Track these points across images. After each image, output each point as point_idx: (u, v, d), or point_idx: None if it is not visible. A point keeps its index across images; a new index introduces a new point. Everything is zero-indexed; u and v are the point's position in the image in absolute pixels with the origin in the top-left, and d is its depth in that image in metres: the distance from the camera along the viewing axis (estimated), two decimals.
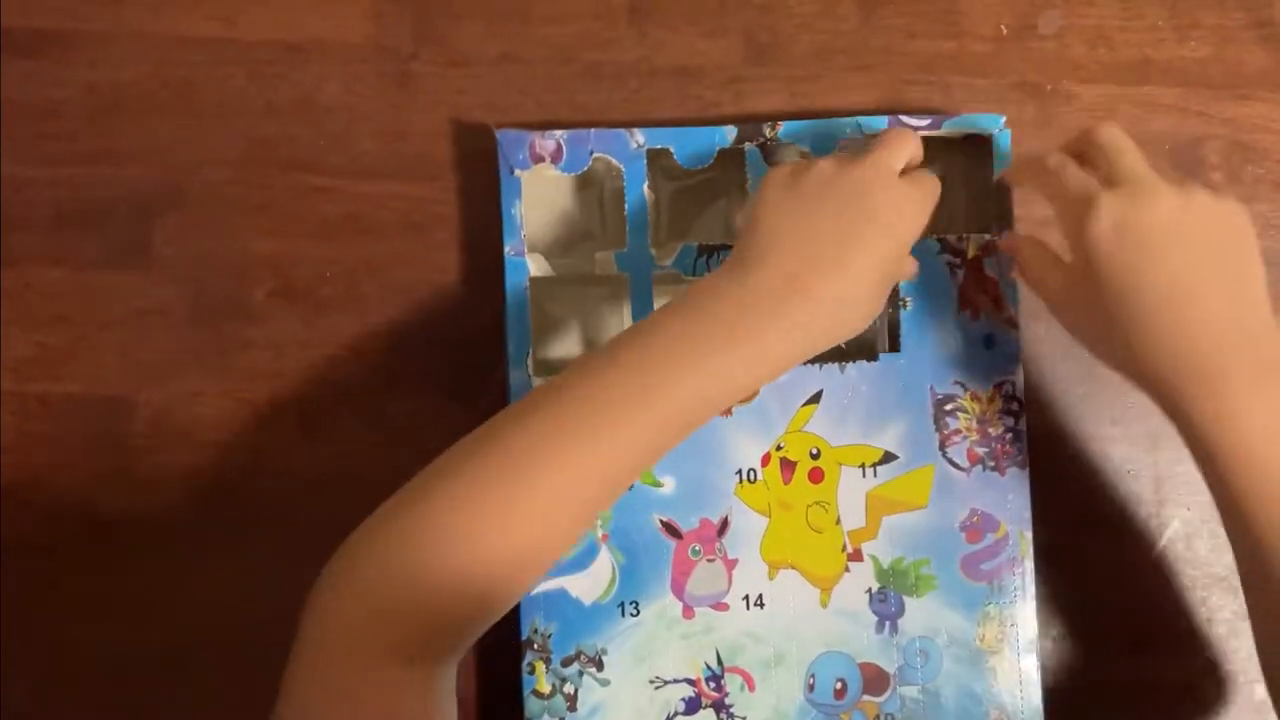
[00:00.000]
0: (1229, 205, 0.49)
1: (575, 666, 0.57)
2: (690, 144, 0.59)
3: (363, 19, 0.62)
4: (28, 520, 0.60)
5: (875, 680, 0.58)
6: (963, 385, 0.58)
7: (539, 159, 0.58)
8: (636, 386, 0.48)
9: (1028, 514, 0.58)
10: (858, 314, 0.51)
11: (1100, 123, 0.52)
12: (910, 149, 0.53)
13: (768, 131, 0.59)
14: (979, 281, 0.59)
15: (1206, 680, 0.61)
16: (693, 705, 0.57)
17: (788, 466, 0.58)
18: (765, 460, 0.58)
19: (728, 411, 0.58)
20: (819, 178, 0.51)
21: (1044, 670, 0.60)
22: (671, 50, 0.63)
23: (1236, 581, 0.56)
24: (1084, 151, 0.52)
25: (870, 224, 0.50)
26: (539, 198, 0.61)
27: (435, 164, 0.62)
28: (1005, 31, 0.63)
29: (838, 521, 0.58)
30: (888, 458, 0.58)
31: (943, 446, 0.58)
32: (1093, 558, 0.61)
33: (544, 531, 0.48)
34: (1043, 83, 0.63)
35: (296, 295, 0.61)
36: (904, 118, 0.59)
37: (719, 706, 0.57)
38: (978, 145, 0.60)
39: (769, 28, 0.63)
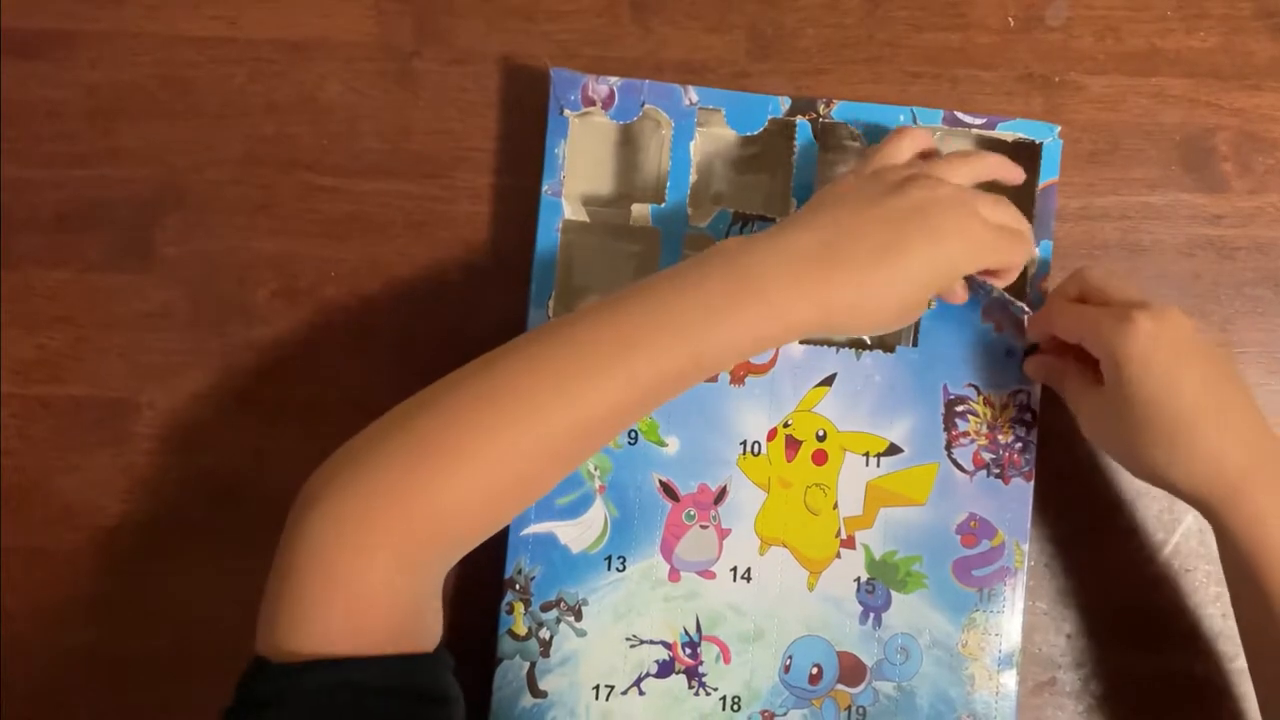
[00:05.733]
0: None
1: (554, 613, 0.56)
2: (743, 109, 0.58)
3: (364, 17, 0.62)
4: (30, 523, 0.60)
5: (852, 670, 0.57)
6: (977, 389, 0.58)
7: (590, 102, 0.58)
8: (633, 330, 0.47)
9: (1027, 526, 0.57)
10: (878, 316, 0.50)
11: (1083, 267, 0.55)
12: (995, 209, 0.52)
13: (821, 108, 0.58)
14: (1008, 304, 0.58)
15: (1220, 675, 0.60)
16: (665, 668, 0.57)
17: (793, 444, 0.57)
18: (771, 435, 0.57)
19: (739, 381, 0.57)
20: (891, 173, 0.51)
21: (1058, 667, 0.60)
22: (675, 46, 0.62)
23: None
24: (1080, 293, 0.55)
25: (924, 241, 0.49)
26: (583, 147, 0.60)
27: (439, 162, 0.61)
28: (1012, 23, 0.62)
29: (835, 506, 0.57)
30: (893, 450, 0.58)
31: (949, 446, 0.58)
32: (1105, 555, 0.61)
33: (524, 465, 0.47)
34: (1050, 74, 0.62)
35: (299, 295, 0.61)
36: (960, 114, 0.58)
37: (691, 673, 0.57)
38: (1028, 151, 0.59)
39: (773, 22, 0.62)
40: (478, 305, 0.61)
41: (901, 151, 0.54)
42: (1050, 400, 0.58)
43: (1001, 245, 0.52)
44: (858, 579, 0.57)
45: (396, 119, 0.62)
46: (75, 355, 0.60)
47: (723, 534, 0.57)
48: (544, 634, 0.56)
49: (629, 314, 0.48)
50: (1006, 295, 0.57)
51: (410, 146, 0.61)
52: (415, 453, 0.46)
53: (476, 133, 0.61)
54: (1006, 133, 0.58)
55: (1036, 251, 0.57)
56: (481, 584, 0.57)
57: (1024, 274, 0.58)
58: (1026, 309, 0.57)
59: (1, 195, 0.61)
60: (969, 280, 0.56)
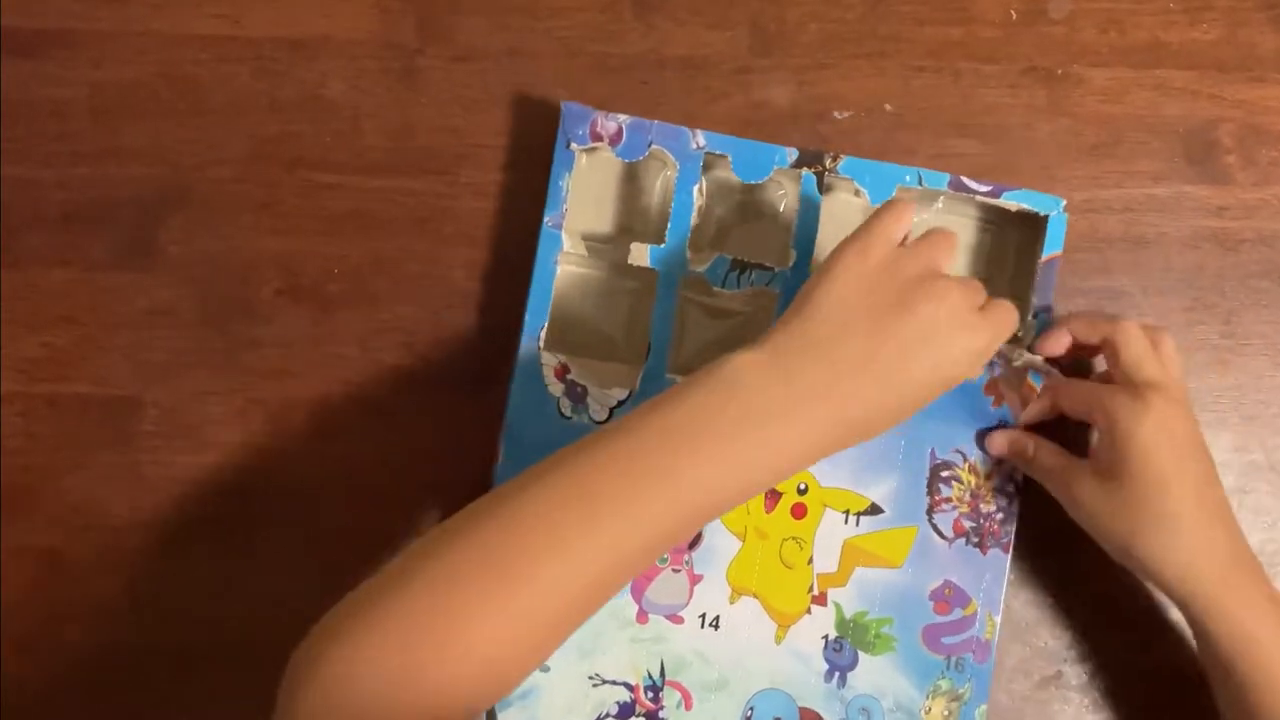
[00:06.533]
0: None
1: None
2: (749, 156, 0.58)
3: (368, 15, 0.62)
4: (35, 522, 0.60)
5: None
6: (963, 455, 0.58)
7: (598, 138, 0.58)
8: (648, 468, 0.45)
9: (1000, 598, 0.57)
10: (894, 422, 0.49)
11: (1120, 323, 0.54)
12: (982, 293, 0.52)
13: (828, 162, 0.58)
14: (1015, 383, 0.57)
15: None
16: (626, 710, 0.56)
17: (772, 496, 0.57)
18: None
19: None
20: (893, 276, 0.49)
21: (1063, 660, 0.60)
22: (678, 41, 0.62)
23: None
24: (1101, 341, 0.55)
25: (932, 366, 0.48)
26: (587, 182, 0.60)
27: (442, 159, 0.61)
28: (1015, 16, 0.62)
29: (810, 561, 0.57)
30: (874, 510, 0.57)
31: (930, 511, 0.57)
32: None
33: (529, 629, 0.43)
34: (1053, 67, 0.62)
35: (304, 293, 0.61)
36: (965, 179, 0.58)
37: (652, 717, 0.56)
38: (1033, 222, 0.59)
39: (775, 17, 0.62)
40: (482, 301, 0.61)
41: (900, 227, 0.51)
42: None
43: (1000, 335, 0.51)
44: (826, 636, 0.57)
45: (400, 116, 0.62)
46: (80, 354, 0.60)
47: (694, 579, 0.57)
48: None
49: (640, 454, 0.45)
50: (1036, 358, 0.56)
51: (414, 143, 0.61)
52: (417, 617, 0.42)
53: (480, 129, 0.61)
54: (1011, 202, 0.58)
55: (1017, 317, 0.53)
56: None
57: (1018, 341, 0.57)
58: (1053, 370, 0.56)
59: (5, 194, 0.61)
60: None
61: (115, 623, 0.59)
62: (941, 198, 0.59)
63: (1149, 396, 0.52)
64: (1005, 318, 0.51)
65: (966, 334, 0.49)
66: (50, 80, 0.61)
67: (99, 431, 0.60)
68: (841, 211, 0.60)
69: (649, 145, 0.58)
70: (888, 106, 0.62)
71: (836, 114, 0.62)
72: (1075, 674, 0.60)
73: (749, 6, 0.62)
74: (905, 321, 0.48)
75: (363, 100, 0.62)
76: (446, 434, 0.60)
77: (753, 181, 0.58)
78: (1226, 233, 0.62)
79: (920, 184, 0.58)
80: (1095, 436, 0.54)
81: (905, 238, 0.52)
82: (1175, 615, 0.61)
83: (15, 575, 0.59)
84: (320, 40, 0.62)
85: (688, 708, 0.56)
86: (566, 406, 0.57)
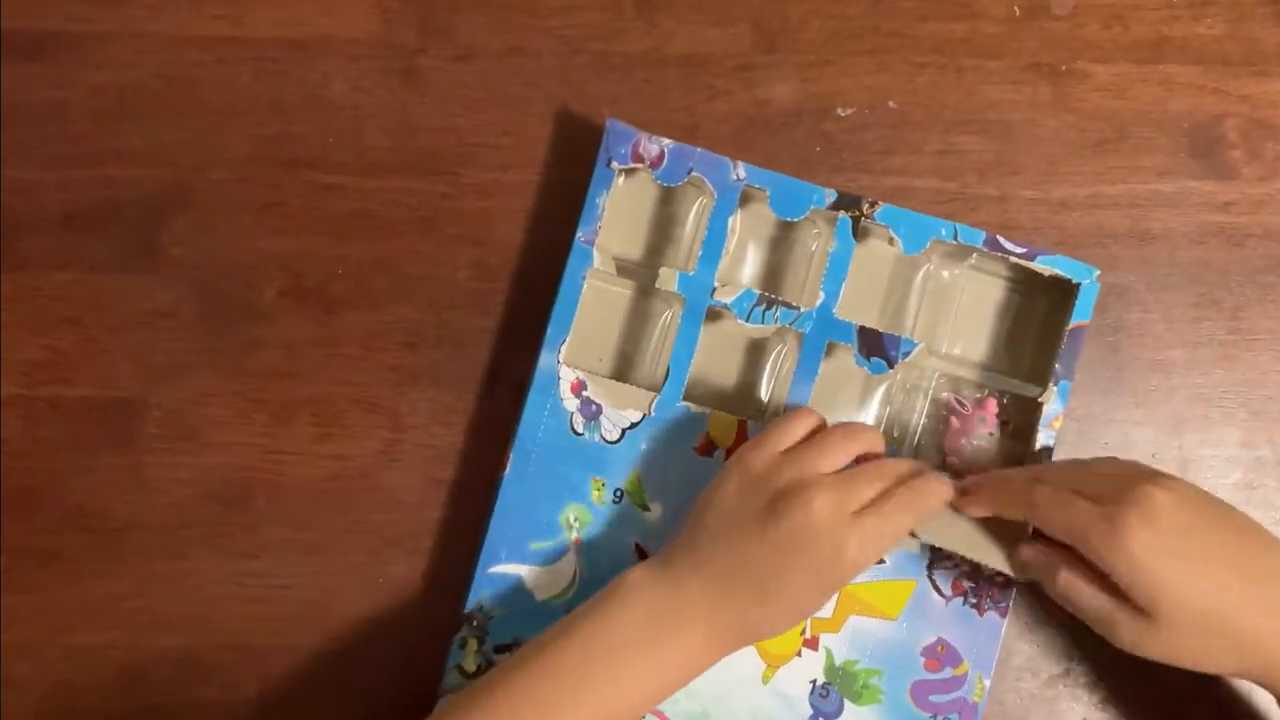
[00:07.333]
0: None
1: (507, 657, 0.54)
2: (787, 193, 0.57)
3: (368, 14, 0.62)
4: (39, 524, 0.59)
5: None
6: None
7: (639, 159, 0.57)
8: (567, 690, 0.49)
9: (993, 662, 0.56)
10: (791, 622, 0.52)
11: (1030, 500, 0.51)
12: (868, 489, 0.51)
13: (865, 208, 0.57)
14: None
15: None
16: None
17: None
18: None
19: None
20: (766, 485, 0.51)
21: (1070, 658, 0.60)
22: (680, 39, 0.62)
23: None
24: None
25: (800, 559, 0.50)
26: (623, 202, 0.60)
27: (444, 159, 0.61)
28: (1018, 12, 0.62)
29: None
30: None
31: (931, 567, 0.57)
32: None
33: None
34: (1057, 63, 0.62)
35: (307, 294, 0.61)
36: (1002, 239, 0.57)
37: None
38: (1063, 288, 0.57)
39: (778, 14, 0.62)
40: (485, 301, 0.61)
41: (792, 434, 0.54)
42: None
43: (887, 534, 0.51)
44: (814, 681, 0.56)
45: (401, 116, 0.61)
46: (83, 356, 0.60)
47: None
48: None
49: (557, 678, 0.49)
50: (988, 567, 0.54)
51: (415, 143, 0.61)
52: None
53: (482, 128, 0.61)
54: (1044, 267, 0.57)
55: (947, 490, 0.53)
56: (441, 609, 0.58)
57: (1039, 408, 0.57)
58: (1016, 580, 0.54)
59: (6, 197, 0.61)
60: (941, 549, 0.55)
61: (116, 624, 0.59)
62: (975, 254, 0.58)
63: (1125, 517, 0.48)
64: (900, 510, 0.51)
65: (834, 539, 0.50)
66: (51, 82, 0.61)
67: (101, 433, 0.60)
68: (873, 259, 0.60)
69: (689, 172, 0.57)
70: (891, 103, 0.62)
71: (840, 111, 0.62)
72: (1084, 671, 0.60)
73: (751, 4, 0.62)
74: (771, 531, 0.50)
75: (364, 100, 0.62)
76: (450, 435, 0.60)
77: (789, 219, 0.58)
78: (1232, 228, 0.62)
79: (956, 238, 0.57)
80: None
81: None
82: None
83: (17, 576, 0.59)
84: (321, 40, 0.62)
85: None
86: (579, 423, 0.57)
